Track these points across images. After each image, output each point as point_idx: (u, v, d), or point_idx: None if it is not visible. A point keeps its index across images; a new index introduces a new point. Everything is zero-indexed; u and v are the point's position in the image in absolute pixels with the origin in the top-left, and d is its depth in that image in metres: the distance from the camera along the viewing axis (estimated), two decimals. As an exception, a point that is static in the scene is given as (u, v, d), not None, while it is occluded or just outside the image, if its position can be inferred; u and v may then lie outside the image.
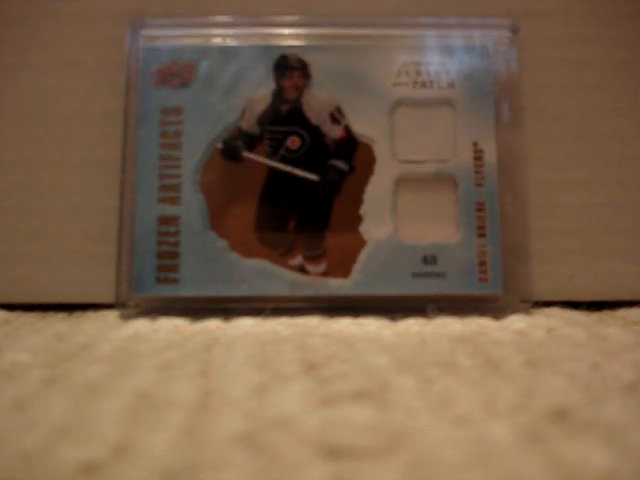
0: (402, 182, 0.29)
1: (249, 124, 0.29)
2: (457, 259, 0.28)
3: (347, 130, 0.29)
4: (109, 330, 0.26)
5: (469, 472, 0.11)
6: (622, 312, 0.29)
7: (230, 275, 0.28)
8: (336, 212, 0.28)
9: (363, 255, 0.28)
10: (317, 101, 0.29)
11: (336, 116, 0.29)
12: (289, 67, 0.29)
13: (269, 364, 0.19)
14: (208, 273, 0.28)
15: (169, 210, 0.28)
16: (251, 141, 0.29)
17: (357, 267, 0.28)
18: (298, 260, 0.28)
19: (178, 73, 0.29)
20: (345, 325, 0.26)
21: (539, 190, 0.30)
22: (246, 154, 0.28)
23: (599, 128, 0.31)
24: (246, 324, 0.26)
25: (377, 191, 0.28)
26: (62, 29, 0.31)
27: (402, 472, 0.11)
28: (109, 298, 0.29)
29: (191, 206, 0.28)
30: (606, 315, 0.28)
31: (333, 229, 0.28)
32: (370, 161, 0.29)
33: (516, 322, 0.26)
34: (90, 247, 0.31)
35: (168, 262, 0.28)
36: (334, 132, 0.29)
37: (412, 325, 0.26)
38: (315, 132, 0.29)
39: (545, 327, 0.25)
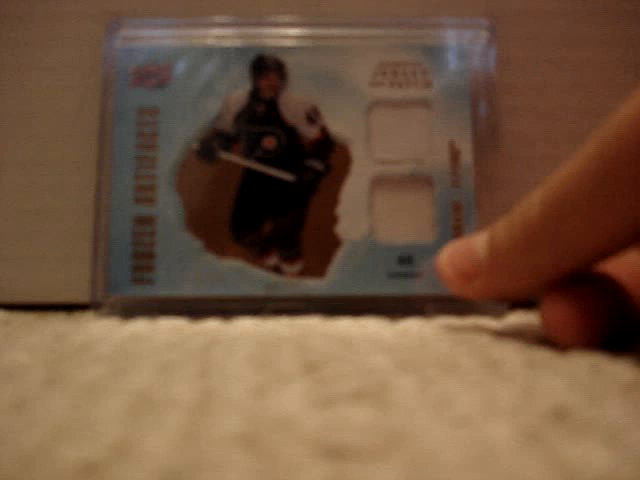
0: (378, 182, 0.29)
1: (225, 124, 0.29)
2: (433, 260, 0.28)
3: (323, 130, 0.29)
4: (109, 330, 0.26)
5: (469, 472, 0.11)
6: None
7: (206, 275, 0.28)
8: (312, 212, 0.28)
9: (339, 255, 0.28)
10: (293, 101, 0.29)
11: (312, 116, 0.29)
12: (266, 67, 0.29)
13: (269, 364, 0.19)
14: (184, 273, 0.28)
15: (145, 210, 0.28)
16: (227, 141, 0.29)
17: (333, 267, 0.28)
18: (274, 260, 0.28)
19: (154, 73, 0.29)
20: (345, 325, 0.26)
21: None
22: (222, 154, 0.28)
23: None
24: (246, 324, 0.26)
25: (353, 191, 0.28)
26: (63, 29, 0.31)
27: (402, 472, 0.11)
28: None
29: (167, 206, 0.28)
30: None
31: (309, 229, 0.28)
32: (346, 161, 0.29)
33: (516, 322, 0.26)
34: (90, 247, 0.31)
35: (144, 262, 0.28)
36: (310, 132, 0.29)
37: (412, 325, 0.26)
38: (291, 132, 0.29)
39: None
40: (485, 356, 0.20)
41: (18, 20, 0.31)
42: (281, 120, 0.29)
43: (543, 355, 0.20)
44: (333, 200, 0.28)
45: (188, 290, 0.28)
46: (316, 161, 0.28)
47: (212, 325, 0.26)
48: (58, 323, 0.28)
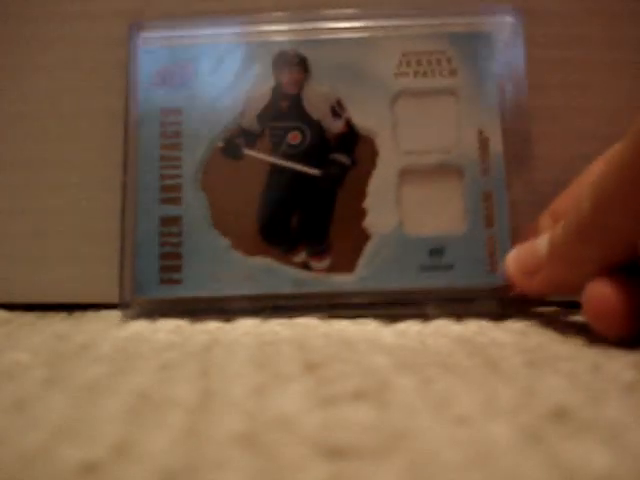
0: (406, 174, 0.28)
1: (249, 121, 0.29)
2: (465, 250, 0.27)
3: (348, 123, 0.28)
4: (109, 330, 0.26)
5: (469, 472, 0.11)
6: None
7: (233, 274, 0.27)
8: (339, 207, 0.28)
9: (368, 249, 0.27)
10: (317, 95, 0.29)
11: (337, 110, 0.28)
12: (288, 62, 0.29)
13: (269, 364, 0.19)
14: (211, 273, 0.27)
15: (171, 210, 0.28)
16: (252, 138, 0.28)
17: (362, 262, 0.27)
18: (302, 257, 0.28)
19: (177, 73, 0.29)
20: (345, 325, 0.26)
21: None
22: (247, 151, 0.28)
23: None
24: (246, 324, 0.26)
25: (381, 184, 0.28)
26: (63, 29, 0.31)
27: (402, 472, 0.11)
28: (110, 298, 0.30)
29: (193, 206, 0.28)
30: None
31: (336, 224, 0.28)
32: (372, 154, 0.28)
33: (516, 322, 0.26)
34: (90, 247, 0.31)
35: (171, 263, 0.27)
36: (335, 126, 0.28)
37: (412, 325, 0.26)
38: (316, 126, 0.28)
39: (545, 327, 0.25)
40: (485, 356, 0.20)
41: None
42: (305, 114, 0.28)
43: (543, 355, 0.20)
44: (360, 193, 0.28)
45: (216, 290, 0.27)
46: (342, 155, 0.28)
47: (212, 325, 0.26)
48: (59, 323, 0.28)
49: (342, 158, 0.28)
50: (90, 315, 0.29)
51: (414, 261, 0.27)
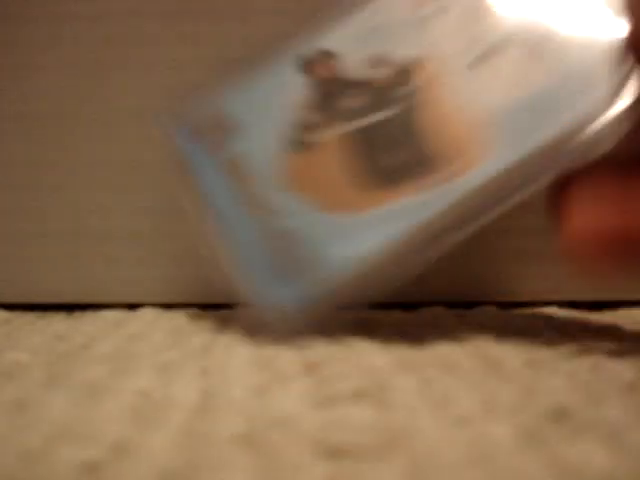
0: (477, 64, 0.27)
1: (300, 116, 0.28)
2: (580, 88, 0.25)
3: (392, 65, 0.28)
4: (109, 330, 0.26)
5: (469, 472, 0.11)
6: (623, 312, 0.28)
7: (363, 232, 0.25)
8: (432, 126, 0.26)
9: (483, 136, 0.25)
10: (351, 64, 0.29)
11: (377, 62, 0.28)
12: (313, 59, 0.29)
13: (269, 364, 0.19)
14: (342, 244, 0.25)
15: (267, 222, 0.27)
16: (312, 126, 0.28)
17: (483, 150, 0.25)
18: (414, 186, 0.25)
19: (222, 132, 0.28)
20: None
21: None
22: (313, 138, 0.28)
23: None
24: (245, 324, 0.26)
25: (459, 81, 0.26)
26: (63, 29, 0.31)
27: (402, 472, 0.11)
28: (109, 298, 0.30)
29: (291, 210, 0.27)
30: (607, 315, 0.28)
31: (437, 139, 0.26)
32: (434, 69, 0.27)
33: (516, 322, 0.26)
34: (91, 247, 0.31)
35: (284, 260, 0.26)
36: (382, 73, 0.28)
37: (412, 326, 0.26)
38: (365, 84, 0.28)
39: (545, 327, 0.25)
40: (485, 356, 0.20)
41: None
42: (350, 83, 0.28)
43: (543, 355, 0.20)
44: (444, 103, 0.27)
45: (362, 251, 0.24)
46: (402, 88, 0.28)
47: (212, 324, 0.26)
48: (58, 323, 0.28)
49: (403, 90, 0.28)
50: (90, 315, 0.29)
51: (539, 120, 0.25)
